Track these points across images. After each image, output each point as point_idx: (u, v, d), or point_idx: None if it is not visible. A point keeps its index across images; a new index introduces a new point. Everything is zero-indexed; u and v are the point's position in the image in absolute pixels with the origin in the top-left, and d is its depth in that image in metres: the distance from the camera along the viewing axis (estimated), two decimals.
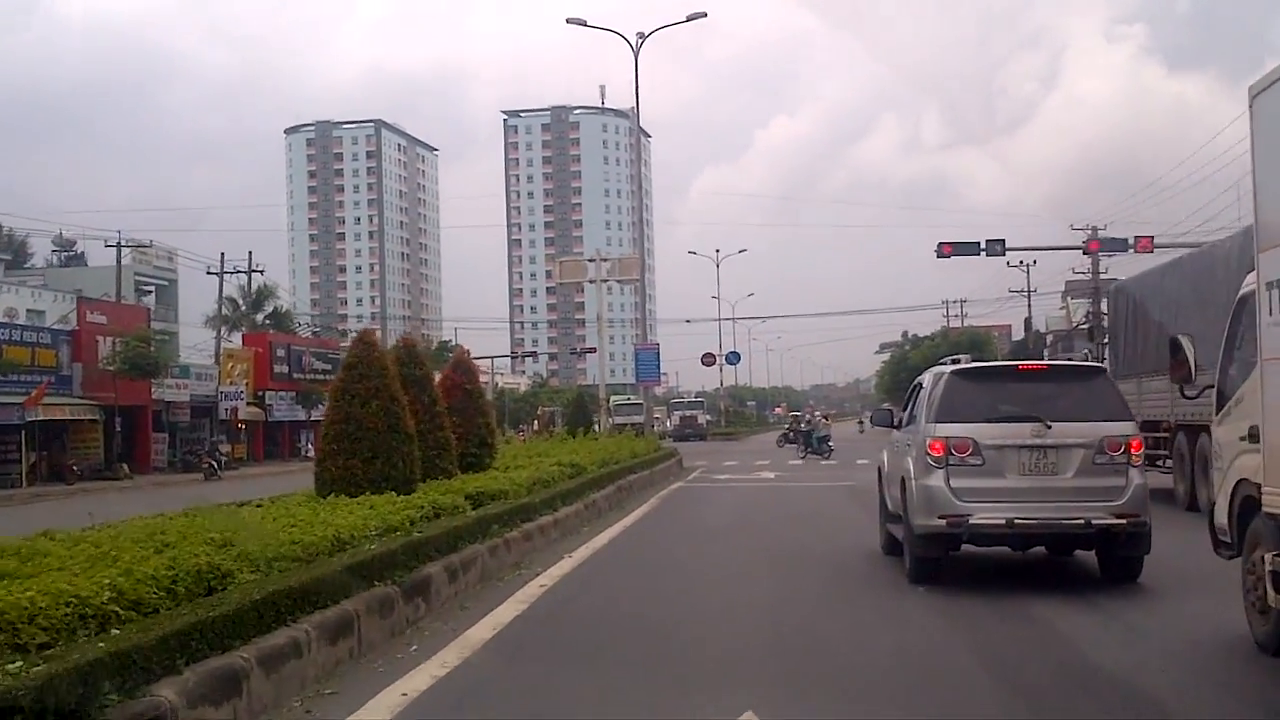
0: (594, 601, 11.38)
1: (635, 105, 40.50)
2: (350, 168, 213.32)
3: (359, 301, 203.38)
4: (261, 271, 70.63)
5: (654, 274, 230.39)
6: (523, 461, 21.14)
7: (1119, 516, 10.75)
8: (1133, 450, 10.99)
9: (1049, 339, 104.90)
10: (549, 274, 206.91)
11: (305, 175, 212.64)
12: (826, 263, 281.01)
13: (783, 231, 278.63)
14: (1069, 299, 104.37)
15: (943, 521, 10.91)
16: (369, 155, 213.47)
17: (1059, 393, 11.44)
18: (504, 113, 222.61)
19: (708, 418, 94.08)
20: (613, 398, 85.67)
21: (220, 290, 69.01)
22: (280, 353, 67.99)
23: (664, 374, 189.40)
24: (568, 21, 39.06)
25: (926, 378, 12.42)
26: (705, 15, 39.70)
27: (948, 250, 40.11)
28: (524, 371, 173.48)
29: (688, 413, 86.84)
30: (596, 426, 38.74)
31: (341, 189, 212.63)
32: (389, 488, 14.19)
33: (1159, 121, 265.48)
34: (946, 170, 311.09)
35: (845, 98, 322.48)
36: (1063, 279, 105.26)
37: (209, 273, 69.47)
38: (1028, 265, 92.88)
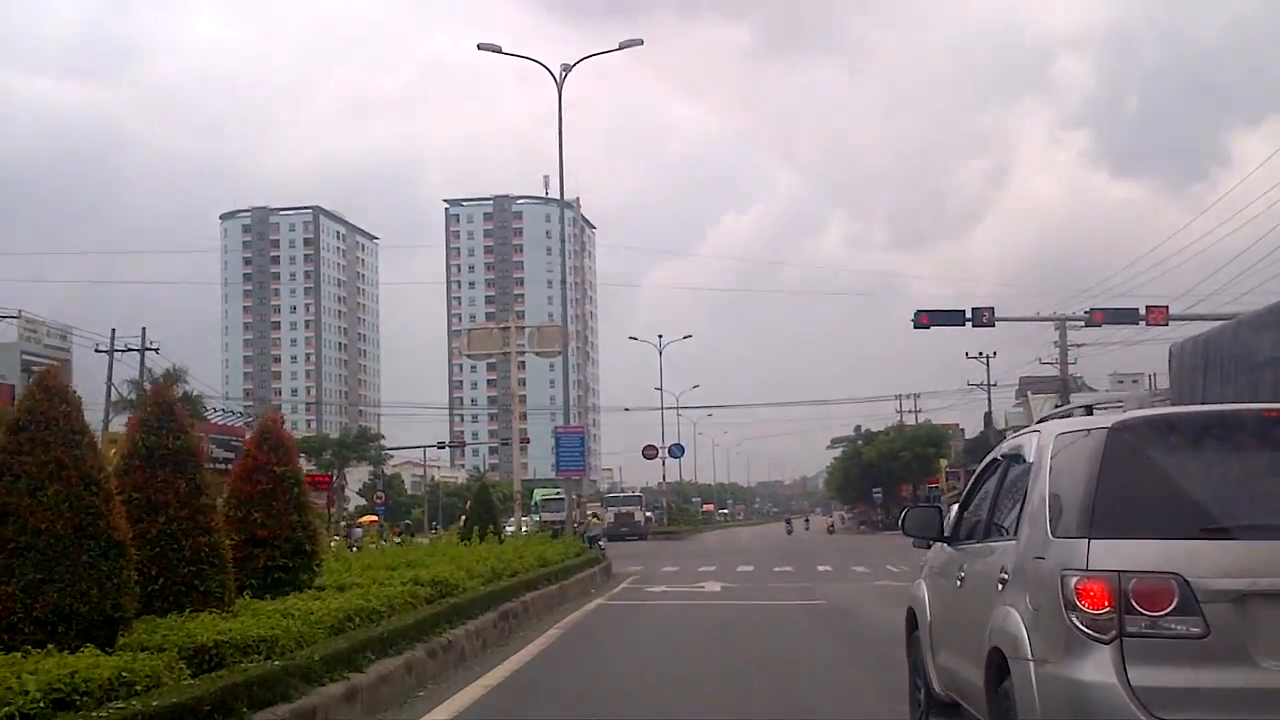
0: None
1: (559, 145, 34.64)
2: (287, 255, 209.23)
3: (294, 391, 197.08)
4: (156, 350, 63.87)
5: (598, 367, 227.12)
6: (373, 575, 14.89)
7: None
8: None
9: (1009, 435, 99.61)
10: (490, 365, 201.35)
11: (240, 262, 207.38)
12: (776, 358, 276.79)
13: (731, 327, 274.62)
14: (1029, 394, 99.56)
15: None
16: (307, 243, 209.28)
17: None
18: (446, 201, 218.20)
19: (648, 514, 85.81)
20: (538, 492, 78.87)
21: (110, 369, 62.48)
22: None
23: (607, 469, 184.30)
24: (480, 47, 33.41)
25: (1034, 444, 6.05)
26: (641, 43, 34.39)
27: (925, 320, 34.27)
28: (463, 465, 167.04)
29: (624, 509, 78.08)
30: (508, 526, 32.62)
31: (278, 276, 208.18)
32: (73, 633, 8.10)
33: (1102, 224, 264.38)
34: (896, 268, 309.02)
35: (794, 197, 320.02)
36: (1018, 375, 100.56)
37: (98, 350, 62.98)
38: (987, 357, 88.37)
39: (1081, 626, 4.87)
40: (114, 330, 62.53)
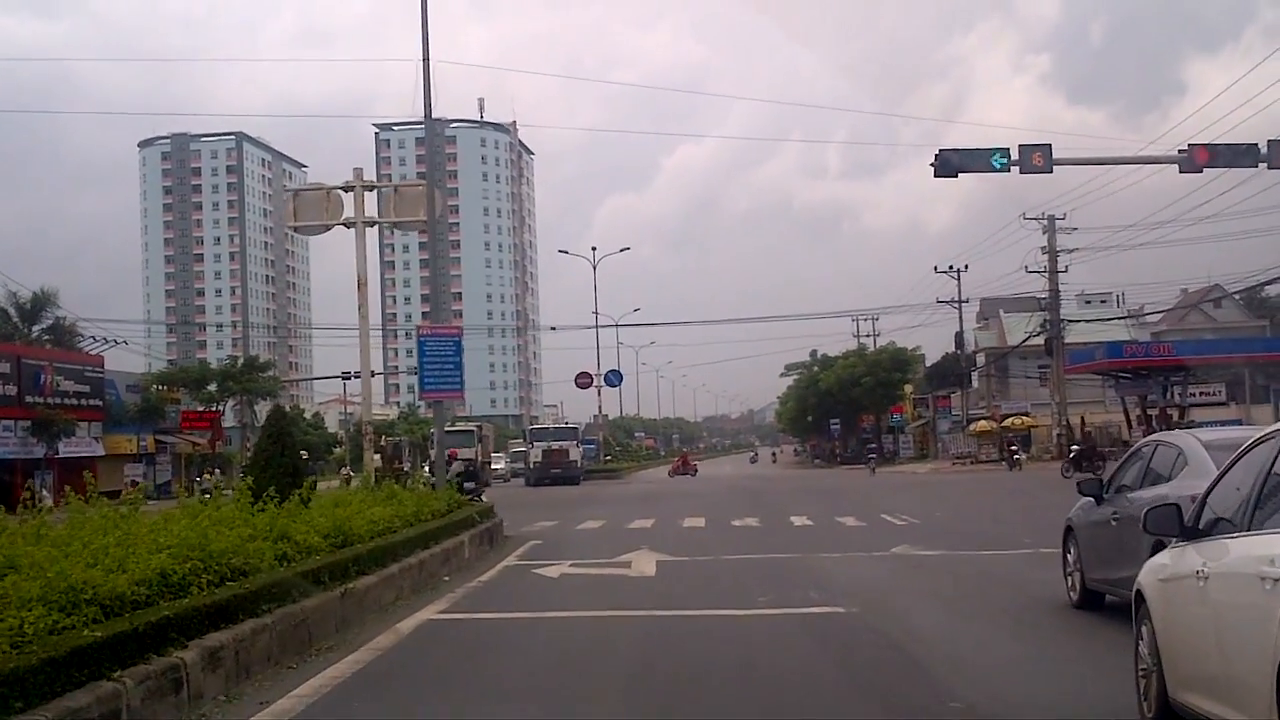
0: None
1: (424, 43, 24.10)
2: (209, 183, 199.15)
3: (220, 327, 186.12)
4: None
5: (538, 298, 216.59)
6: None
7: None
8: None
9: (979, 359, 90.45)
10: (424, 298, 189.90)
11: (160, 192, 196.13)
12: (728, 289, 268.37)
13: (682, 258, 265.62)
14: (1001, 313, 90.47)
15: None
16: (229, 170, 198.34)
17: None
18: (375, 126, 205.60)
19: (582, 450, 70.38)
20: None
21: None
22: (4, 369, 50.45)
23: (551, 405, 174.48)
24: None
25: None
26: None
27: (949, 163, 24.63)
28: (397, 402, 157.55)
29: (555, 444, 61.96)
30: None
31: (200, 206, 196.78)
32: None
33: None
34: (850, 197, 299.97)
35: (746, 127, 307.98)
36: (978, 296, 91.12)
37: None
38: (959, 271, 79.80)
39: None
40: None
